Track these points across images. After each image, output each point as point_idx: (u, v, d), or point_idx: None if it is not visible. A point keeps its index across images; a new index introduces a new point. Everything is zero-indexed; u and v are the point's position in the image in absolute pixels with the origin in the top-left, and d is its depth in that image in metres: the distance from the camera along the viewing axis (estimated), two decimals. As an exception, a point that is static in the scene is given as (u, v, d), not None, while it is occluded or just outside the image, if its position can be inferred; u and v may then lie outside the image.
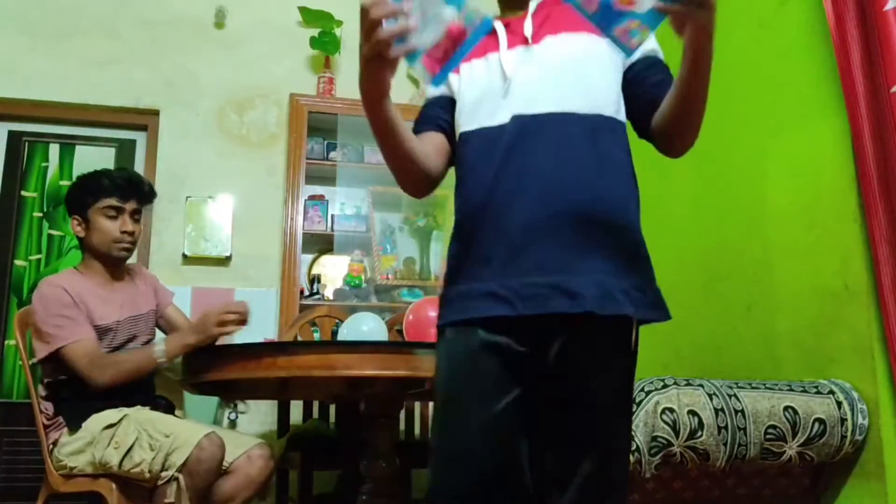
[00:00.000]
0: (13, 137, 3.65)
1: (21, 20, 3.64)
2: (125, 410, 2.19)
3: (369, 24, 1.05)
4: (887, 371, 2.05)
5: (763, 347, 2.48)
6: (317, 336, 3.21)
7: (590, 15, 1.05)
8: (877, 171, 2.06)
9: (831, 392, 2.07)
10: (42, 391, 2.28)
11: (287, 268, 3.56)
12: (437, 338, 1.28)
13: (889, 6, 2.03)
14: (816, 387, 2.09)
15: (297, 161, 3.66)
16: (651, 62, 1.30)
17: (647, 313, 1.21)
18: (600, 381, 1.21)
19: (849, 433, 2.02)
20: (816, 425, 1.99)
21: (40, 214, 3.61)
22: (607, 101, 1.26)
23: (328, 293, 3.73)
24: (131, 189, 2.37)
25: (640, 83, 1.29)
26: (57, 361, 2.21)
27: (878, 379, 2.06)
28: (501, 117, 1.25)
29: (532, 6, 1.33)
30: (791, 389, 2.06)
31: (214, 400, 3.15)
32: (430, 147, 1.31)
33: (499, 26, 1.33)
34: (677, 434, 1.85)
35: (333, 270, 3.87)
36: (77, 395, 2.23)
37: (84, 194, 2.35)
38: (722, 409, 1.92)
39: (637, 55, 1.26)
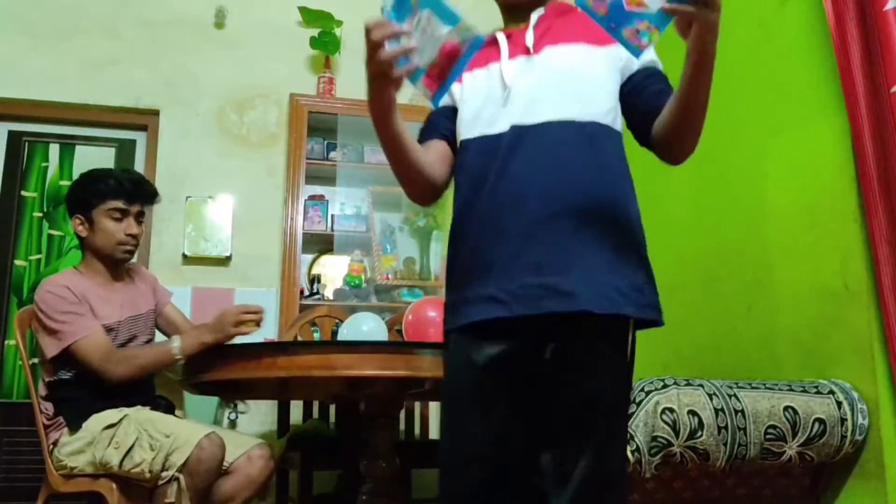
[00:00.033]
0: (13, 137, 3.65)
1: (21, 20, 3.64)
2: (125, 410, 2.19)
3: (372, 45, 1.08)
4: (887, 371, 2.05)
5: (763, 347, 2.48)
6: (317, 336, 3.21)
7: (599, 17, 1.06)
8: (877, 171, 2.06)
9: (831, 392, 2.07)
10: (42, 391, 2.28)
11: (287, 268, 3.56)
12: (444, 343, 1.31)
13: (889, 6, 2.03)
14: (816, 387, 2.09)
15: (297, 161, 3.65)
16: (650, 72, 1.31)
17: (645, 313, 1.22)
18: (598, 381, 1.22)
19: (849, 433, 2.03)
20: (816, 425, 1.99)
21: (40, 214, 3.61)
22: (604, 110, 1.28)
23: (328, 293, 3.73)
24: (137, 192, 2.37)
25: (640, 93, 1.30)
26: (68, 358, 2.21)
27: (878, 379, 2.06)
28: (501, 126, 1.27)
29: (534, 18, 1.35)
30: (791, 389, 2.06)
31: (214, 400, 3.16)
32: (434, 156, 1.34)
33: (501, 37, 1.35)
34: (677, 434, 1.85)
35: (333, 270, 3.86)
36: (77, 395, 2.23)
37: (89, 194, 2.33)
38: (722, 409, 1.92)
39: (636, 66, 1.29)
